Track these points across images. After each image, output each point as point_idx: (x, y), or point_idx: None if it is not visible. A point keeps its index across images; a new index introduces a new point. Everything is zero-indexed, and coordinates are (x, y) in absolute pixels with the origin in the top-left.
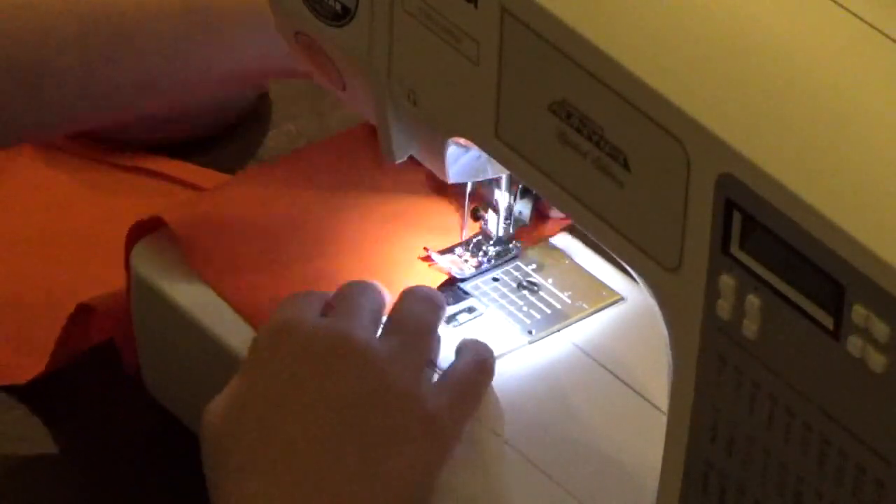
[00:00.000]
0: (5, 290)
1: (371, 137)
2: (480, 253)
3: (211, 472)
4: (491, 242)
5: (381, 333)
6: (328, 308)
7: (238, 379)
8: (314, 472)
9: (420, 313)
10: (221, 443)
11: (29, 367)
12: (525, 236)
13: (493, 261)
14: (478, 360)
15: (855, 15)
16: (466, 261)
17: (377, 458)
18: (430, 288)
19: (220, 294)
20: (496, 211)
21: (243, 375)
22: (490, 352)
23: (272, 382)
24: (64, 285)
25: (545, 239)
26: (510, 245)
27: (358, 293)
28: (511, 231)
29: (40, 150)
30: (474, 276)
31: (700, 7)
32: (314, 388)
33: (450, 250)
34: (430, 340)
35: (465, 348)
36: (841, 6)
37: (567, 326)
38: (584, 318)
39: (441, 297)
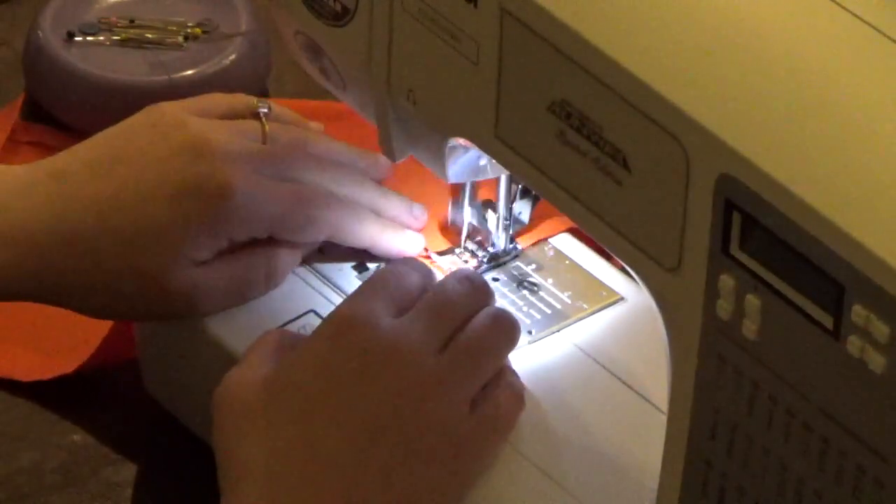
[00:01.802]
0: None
1: None
2: (480, 253)
3: (226, 448)
4: (491, 242)
5: (447, 346)
6: (413, 299)
7: (281, 359)
8: (333, 481)
9: (494, 338)
10: (249, 422)
11: (55, 366)
12: (525, 236)
13: (492, 261)
14: (515, 392)
15: (855, 15)
16: (466, 261)
17: (399, 476)
18: (511, 316)
19: None
20: (496, 211)
21: (293, 357)
22: (523, 386)
23: (317, 378)
24: None
25: (545, 239)
26: (510, 245)
27: (447, 305)
28: (511, 231)
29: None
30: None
31: (700, 7)
32: (355, 394)
33: (450, 250)
34: (492, 367)
35: (501, 376)
36: (841, 6)
37: (567, 326)
38: (584, 318)
39: (519, 327)
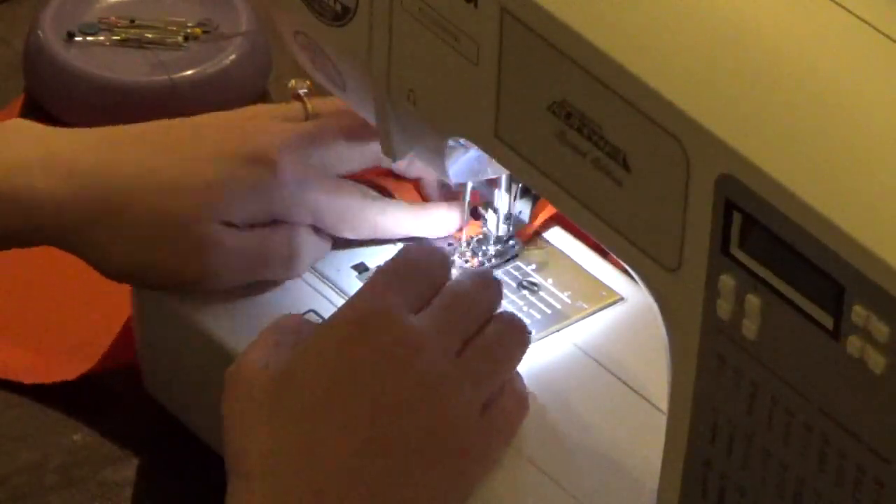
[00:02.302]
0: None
1: None
2: (480, 252)
3: (233, 435)
4: (491, 242)
5: (465, 349)
6: (430, 293)
7: (296, 348)
8: (335, 483)
9: (509, 343)
10: (256, 413)
11: (56, 371)
12: (522, 231)
13: (493, 260)
14: (520, 397)
15: (855, 15)
16: (467, 261)
17: (403, 479)
18: (523, 321)
19: None
20: (496, 211)
21: (308, 349)
22: (526, 389)
23: (329, 375)
24: (77, 288)
25: (541, 235)
26: (510, 244)
27: (465, 293)
28: (511, 231)
29: None
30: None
31: (700, 7)
32: (366, 393)
33: (451, 248)
34: (506, 373)
35: (509, 381)
36: (841, 6)
37: (567, 326)
38: (584, 318)
39: (529, 333)
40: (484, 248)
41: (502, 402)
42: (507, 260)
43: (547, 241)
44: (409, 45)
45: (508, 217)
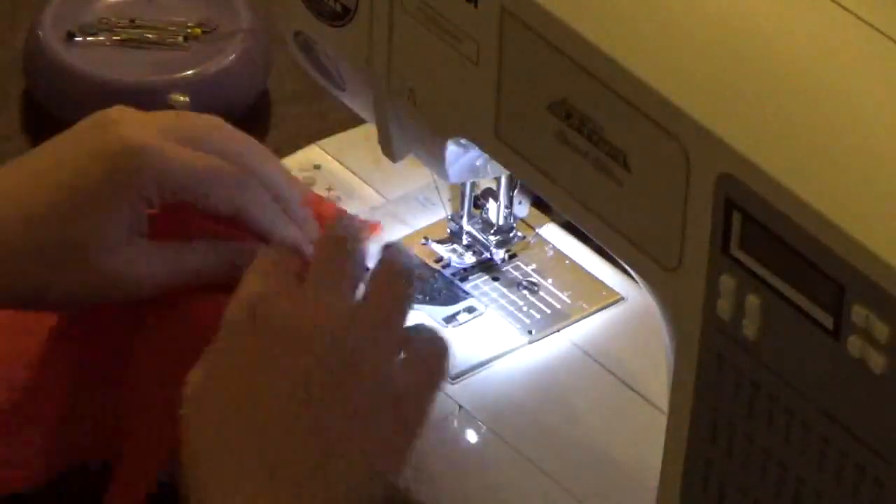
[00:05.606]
0: None
1: None
2: (479, 244)
3: (184, 448)
4: (492, 231)
5: (361, 302)
6: (305, 268)
7: (212, 353)
8: (277, 457)
9: (399, 287)
10: (192, 420)
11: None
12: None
13: (493, 250)
14: (437, 338)
15: (855, 15)
16: (461, 254)
17: (342, 442)
18: (408, 258)
19: None
20: (496, 199)
21: (217, 350)
22: (441, 332)
23: (244, 363)
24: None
25: (539, 234)
26: (510, 234)
27: (340, 255)
28: (511, 221)
29: None
30: (474, 268)
31: (700, 7)
32: (286, 370)
33: (449, 240)
34: (405, 316)
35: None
36: (841, 6)
37: (567, 326)
38: (584, 318)
39: (415, 270)
40: (485, 236)
41: (416, 344)
42: (506, 250)
43: (547, 241)
44: (409, 45)
45: (509, 206)
